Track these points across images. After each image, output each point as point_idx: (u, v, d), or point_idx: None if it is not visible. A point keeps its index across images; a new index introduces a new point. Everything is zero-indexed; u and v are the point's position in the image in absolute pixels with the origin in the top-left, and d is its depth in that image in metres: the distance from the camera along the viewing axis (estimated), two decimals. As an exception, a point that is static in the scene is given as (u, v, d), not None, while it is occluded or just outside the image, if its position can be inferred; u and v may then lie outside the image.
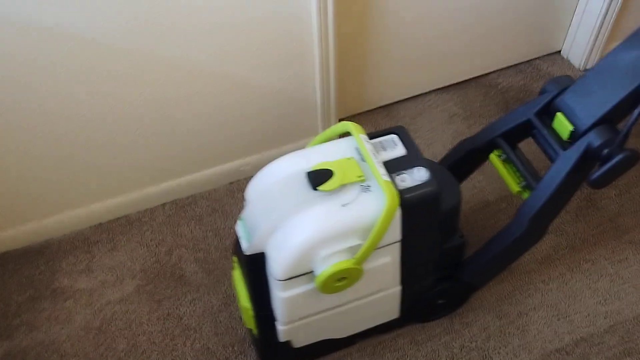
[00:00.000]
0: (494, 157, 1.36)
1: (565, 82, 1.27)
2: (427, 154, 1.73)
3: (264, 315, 1.23)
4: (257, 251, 1.11)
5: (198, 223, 1.66)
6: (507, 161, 1.34)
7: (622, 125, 1.16)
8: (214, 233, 1.64)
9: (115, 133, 1.50)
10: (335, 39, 1.52)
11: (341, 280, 1.09)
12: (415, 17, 1.72)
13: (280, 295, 1.13)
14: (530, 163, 1.32)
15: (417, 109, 1.93)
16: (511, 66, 2.03)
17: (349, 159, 1.12)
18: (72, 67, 1.32)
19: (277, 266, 1.08)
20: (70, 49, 1.29)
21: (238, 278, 1.29)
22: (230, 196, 1.72)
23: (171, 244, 1.62)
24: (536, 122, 1.28)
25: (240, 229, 1.15)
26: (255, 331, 1.30)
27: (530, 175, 1.28)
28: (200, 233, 1.64)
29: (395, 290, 1.27)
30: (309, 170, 1.10)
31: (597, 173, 1.16)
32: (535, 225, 1.27)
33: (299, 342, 1.29)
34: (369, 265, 1.12)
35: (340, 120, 1.84)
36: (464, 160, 1.42)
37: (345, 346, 1.41)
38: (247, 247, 1.11)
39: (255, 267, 1.14)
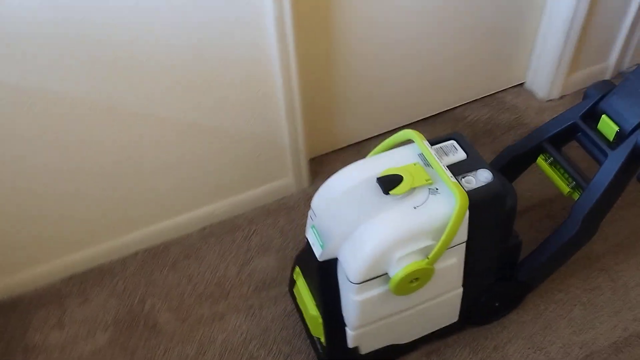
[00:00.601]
0: (541, 161, 1.44)
1: (606, 86, 1.35)
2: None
3: (333, 322, 1.26)
4: (330, 257, 1.16)
5: (171, 270, 1.65)
6: (554, 164, 1.41)
7: None
8: (187, 279, 1.62)
9: (84, 184, 1.49)
10: (299, 81, 1.54)
11: (414, 281, 1.14)
12: (380, 56, 1.75)
13: (355, 299, 1.16)
14: (578, 165, 1.38)
15: (387, 145, 1.94)
16: (477, 99, 2.06)
17: (414, 164, 1.18)
18: (40, 120, 1.33)
19: (353, 270, 1.12)
20: (34, 102, 1.30)
21: (303, 288, 1.34)
22: (203, 241, 1.71)
23: (144, 293, 1.60)
24: (582, 125, 1.35)
25: (312, 236, 1.19)
26: (323, 339, 1.32)
27: (579, 177, 1.35)
28: (173, 280, 1.62)
29: (457, 292, 1.31)
30: (379, 177, 1.15)
31: None
32: (588, 223, 1.34)
33: (367, 348, 1.32)
34: (438, 266, 1.16)
35: (310, 160, 1.86)
36: (509, 166, 1.48)
37: (407, 352, 1.43)
38: (320, 254, 1.15)
39: (327, 273, 1.18)
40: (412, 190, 1.13)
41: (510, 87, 2.11)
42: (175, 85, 1.41)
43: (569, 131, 1.39)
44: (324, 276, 1.19)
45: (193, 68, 1.40)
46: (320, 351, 1.38)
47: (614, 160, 1.28)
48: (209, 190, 1.69)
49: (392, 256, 1.10)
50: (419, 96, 1.94)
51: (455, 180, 1.13)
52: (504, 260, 1.36)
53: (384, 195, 1.13)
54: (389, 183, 1.13)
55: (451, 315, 1.38)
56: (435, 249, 1.11)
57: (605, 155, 1.31)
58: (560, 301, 1.53)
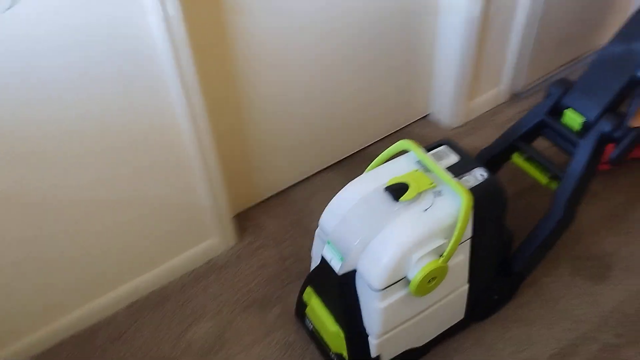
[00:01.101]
0: (517, 158, 1.56)
1: (565, 84, 1.48)
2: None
3: (355, 334, 1.29)
4: (350, 269, 1.21)
5: (101, 357, 1.54)
6: (530, 159, 1.53)
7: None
8: (120, 363, 1.53)
9: (-6, 279, 1.38)
10: (213, 144, 1.52)
11: (431, 280, 1.20)
12: (287, 107, 1.76)
13: (378, 306, 1.21)
14: (550, 158, 1.50)
15: (309, 190, 1.95)
16: (387, 136, 2.12)
17: (415, 171, 1.25)
18: None
19: (374, 277, 1.17)
20: None
21: (318, 307, 1.37)
22: (132, 319, 1.63)
23: (75, 385, 1.49)
24: (549, 120, 1.47)
25: (329, 252, 1.24)
26: (345, 353, 1.33)
27: (555, 167, 1.47)
28: (105, 366, 1.53)
29: (464, 288, 1.38)
30: (386, 186, 1.21)
31: (615, 152, 1.38)
32: (570, 208, 1.45)
33: (388, 355, 1.36)
34: (449, 264, 1.22)
35: (235, 215, 1.83)
36: (486, 166, 1.54)
37: (422, 355, 1.47)
38: (340, 267, 1.20)
39: (347, 285, 1.23)
40: (419, 195, 1.20)
41: (417, 120, 2.18)
42: (86, 161, 1.35)
43: (537, 128, 1.51)
44: (344, 289, 1.23)
45: (103, 142, 1.35)
46: None
47: (585, 148, 1.40)
48: (132, 264, 1.61)
49: (411, 259, 1.17)
50: (331, 140, 1.96)
51: (457, 180, 1.20)
52: (500, 254, 1.43)
53: (394, 203, 1.19)
54: (397, 191, 1.20)
55: (459, 313, 1.45)
56: (449, 246, 1.19)
57: (575, 145, 1.42)
58: (495, 321, 1.57)
